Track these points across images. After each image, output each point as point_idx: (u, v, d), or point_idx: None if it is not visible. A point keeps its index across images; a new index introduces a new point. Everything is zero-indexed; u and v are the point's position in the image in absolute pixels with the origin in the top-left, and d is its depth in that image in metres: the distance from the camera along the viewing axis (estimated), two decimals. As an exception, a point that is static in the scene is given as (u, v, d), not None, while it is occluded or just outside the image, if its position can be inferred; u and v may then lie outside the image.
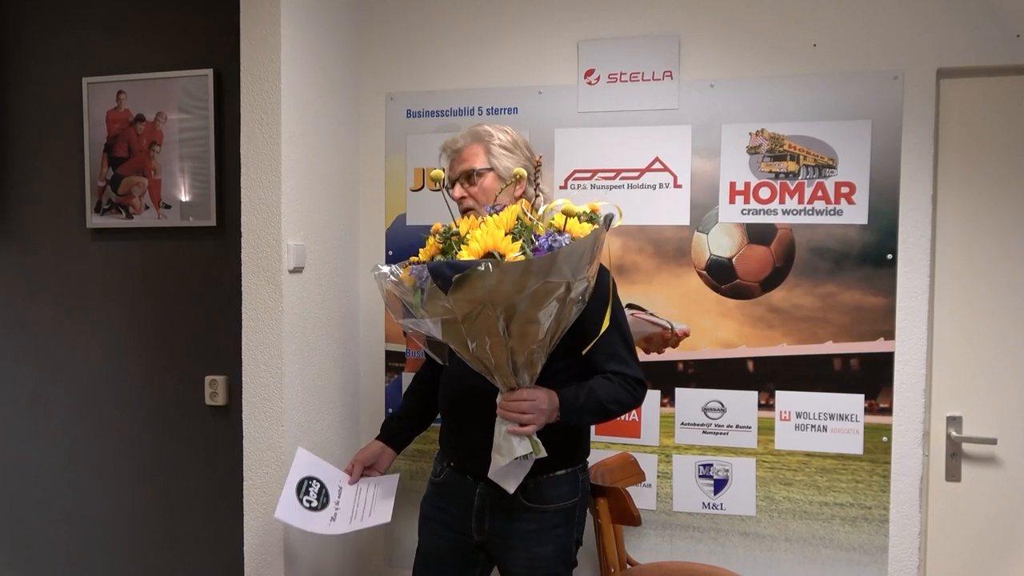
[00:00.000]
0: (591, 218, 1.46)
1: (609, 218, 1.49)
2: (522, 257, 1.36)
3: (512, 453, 1.48)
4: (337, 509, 1.71)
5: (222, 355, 2.25)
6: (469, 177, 1.65)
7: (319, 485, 1.74)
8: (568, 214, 1.43)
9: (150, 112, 2.28)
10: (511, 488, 1.53)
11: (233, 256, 1.95)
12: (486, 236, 1.38)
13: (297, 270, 1.93)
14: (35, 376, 2.44)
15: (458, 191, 1.67)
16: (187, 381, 2.31)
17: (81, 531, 2.42)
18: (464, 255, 1.39)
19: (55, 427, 2.42)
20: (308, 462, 1.78)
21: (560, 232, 1.41)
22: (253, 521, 1.90)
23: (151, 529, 2.37)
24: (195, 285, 2.30)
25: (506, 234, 1.39)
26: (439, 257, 1.43)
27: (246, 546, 1.91)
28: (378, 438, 1.86)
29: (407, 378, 2.28)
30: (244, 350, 1.89)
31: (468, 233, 1.43)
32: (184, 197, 2.28)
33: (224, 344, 2.23)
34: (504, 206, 1.47)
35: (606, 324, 1.52)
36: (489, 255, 1.37)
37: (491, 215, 1.44)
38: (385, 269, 1.49)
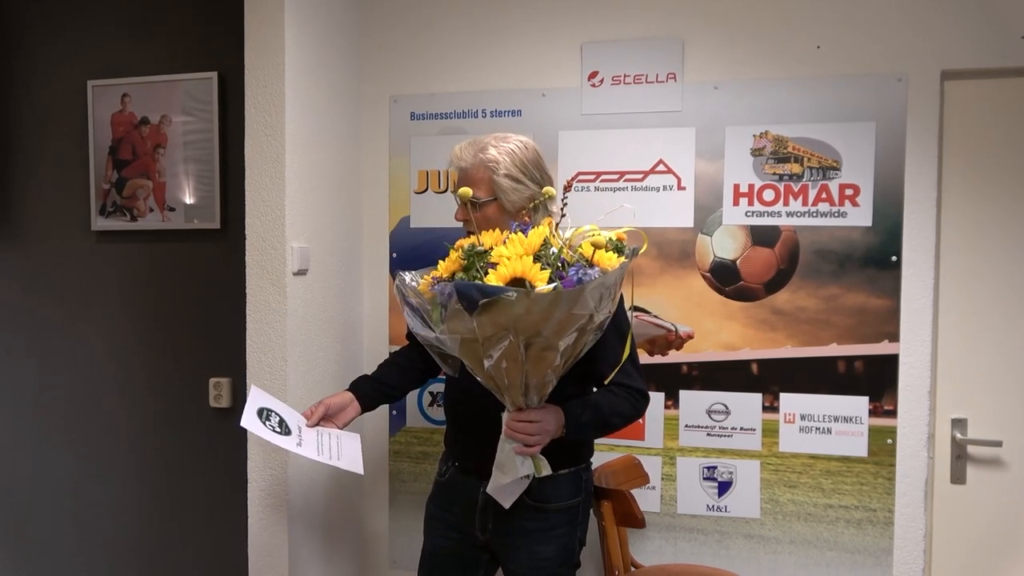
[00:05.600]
0: (618, 248, 1.42)
1: (636, 250, 1.47)
2: (550, 288, 1.31)
3: (516, 472, 1.49)
4: (301, 439, 1.63)
5: (226, 357, 2.25)
6: (470, 204, 1.59)
7: (279, 417, 1.65)
8: (596, 246, 1.40)
9: (154, 115, 2.29)
10: (507, 504, 1.55)
11: (237, 259, 1.95)
12: (515, 263, 1.34)
13: (301, 272, 1.93)
14: (40, 378, 2.44)
15: (460, 213, 1.62)
16: (191, 383, 2.31)
17: (85, 532, 2.43)
18: (492, 279, 1.34)
19: (59, 429, 2.43)
20: (264, 397, 1.68)
21: (590, 265, 1.37)
22: (257, 523, 1.89)
23: (155, 531, 2.37)
24: (199, 288, 2.30)
25: (534, 260, 1.35)
26: (461, 275, 1.39)
27: (250, 548, 1.91)
28: (349, 390, 1.75)
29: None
30: (248, 352, 1.89)
31: (493, 251, 1.38)
32: (188, 200, 2.28)
33: (228, 346, 2.23)
34: (529, 225, 1.43)
35: (626, 354, 1.54)
36: (516, 281, 1.33)
37: (516, 232, 1.40)
38: (408, 279, 1.47)
